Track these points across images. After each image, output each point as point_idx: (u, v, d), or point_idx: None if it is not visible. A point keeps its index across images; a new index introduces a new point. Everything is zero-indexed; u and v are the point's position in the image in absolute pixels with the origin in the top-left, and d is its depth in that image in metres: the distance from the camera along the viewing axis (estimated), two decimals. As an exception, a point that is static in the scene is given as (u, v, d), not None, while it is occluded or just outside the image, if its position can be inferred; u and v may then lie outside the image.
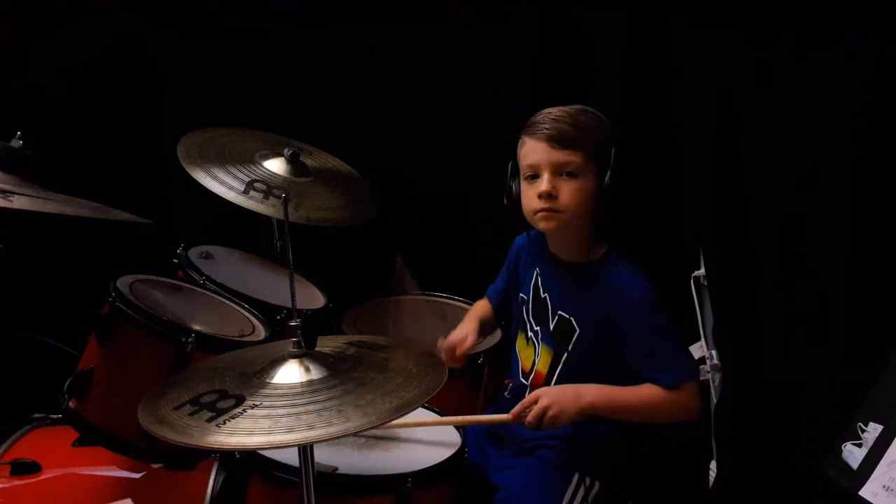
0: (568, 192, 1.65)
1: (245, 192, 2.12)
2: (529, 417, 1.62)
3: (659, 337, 1.65)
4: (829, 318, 2.05)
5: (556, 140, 1.65)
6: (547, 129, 1.66)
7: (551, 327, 1.76)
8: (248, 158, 2.25)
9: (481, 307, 1.98)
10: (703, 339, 1.79)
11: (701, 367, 1.72)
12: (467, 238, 2.49)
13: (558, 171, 1.66)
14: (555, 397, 1.62)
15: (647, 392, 1.64)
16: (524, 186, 1.71)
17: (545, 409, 1.61)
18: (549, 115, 1.68)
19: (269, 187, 2.16)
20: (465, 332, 1.83)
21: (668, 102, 2.23)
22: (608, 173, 1.65)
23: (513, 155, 1.77)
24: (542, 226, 1.70)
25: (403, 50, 2.51)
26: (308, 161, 2.34)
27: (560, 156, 1.65)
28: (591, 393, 1.64)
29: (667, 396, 1.63)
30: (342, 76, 2.58)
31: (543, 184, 1.65)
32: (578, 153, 1.65)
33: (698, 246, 1.92)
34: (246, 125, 2.42)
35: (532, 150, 1.68)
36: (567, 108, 1.70)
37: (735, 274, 2.13)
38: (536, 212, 1.68)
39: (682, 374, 1.64)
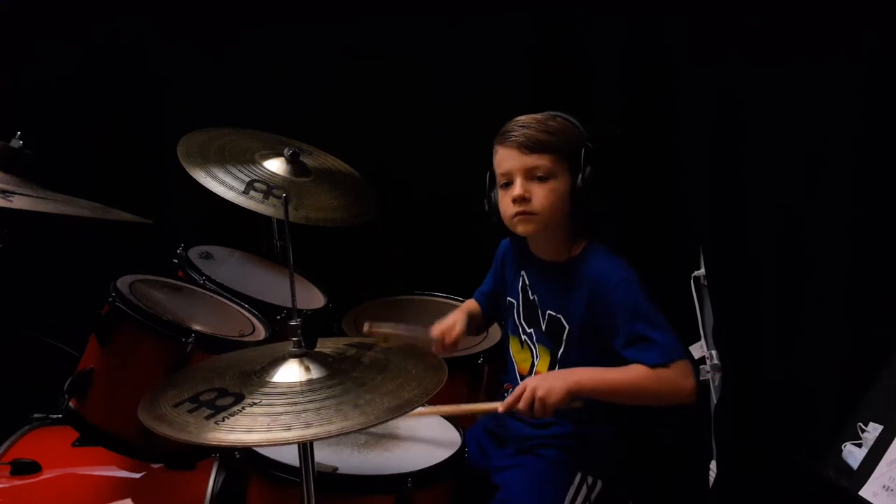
0: (541, 194, 1.68)
1: (245, 192, 2.11)
2: (521, 405, 1.62)
3: (642, 320, 1.64)
4: (828, 318, 2.06)
5: (526, 146, 1.68)
6: (516, 136, 1.70)
7: (543, 328, 1.77)
8: (248, 158, 2.24)
9: (470, 304, 2.00)
10: (703, 339, 1.79)
11: (701, 367, 1.71)
12: (467, 238, 2.49)
13: (530, 175, 1.69)
14: (540, 379, 1.64)
15: (635, 371, 1.62)
16: (500, 194, 1.75)
17: (533, 392, 1.61)
18: (518, 122, 1.72)
19: (269, 187, 2.16)
20: (452, 321, 1.87)
21: (669, 103, 2.23)
22: (580, 173, 1.68)
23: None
24: (520, 229, 1.72)
25: (404, 50, 2.51)
26: (308, 161, 2.34)
27: (530, 160, 1.68)
28: (577, 372, 1.65)
29: (655, 375, 1.61)
30: (342, 76, 2.58)
31: (516, 188, 1.69)
32: (548, 156, 1.68)
33: (698, 246, 1.92)
34: (246, 125, 2.42)
35: (504, 158, 1.71)
36: (535, 115, 1.73)
37: (735, 274, 2.13)
38: (513, 216, 1.71)
39: (670, 353, 1.62)
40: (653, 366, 1.62)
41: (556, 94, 2.31)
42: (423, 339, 1.80)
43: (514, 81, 2.40)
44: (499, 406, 1.66)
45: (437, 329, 1.85)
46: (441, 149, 2.51)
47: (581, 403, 1.65)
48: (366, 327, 1.91)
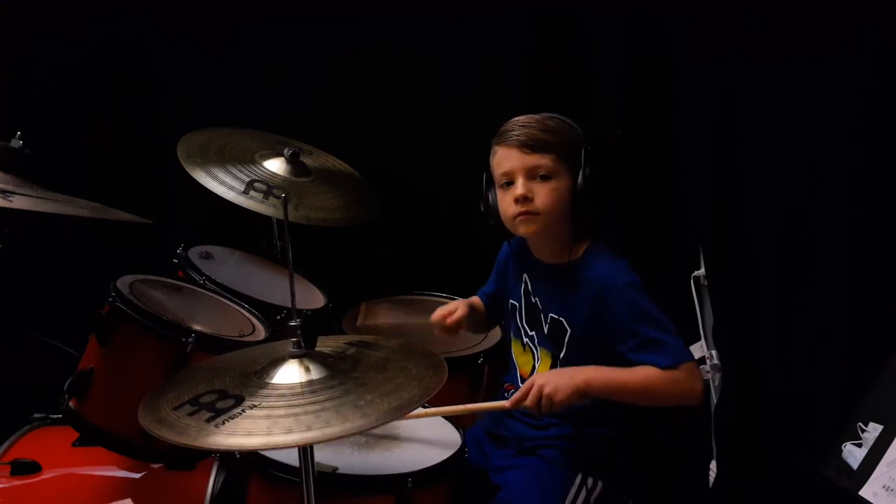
0: (543, 193, 1.68)
1: (245, 192, 2.12)
2: (528, 401, 1.63)
3: (649, 324, 1.64)
4: (829, 318, 2.06)
5: (527, 145, 1.68)
6: (516, 135, 1.69)
7: (545, 331, 1.77)
8: (248, 158, 2.25)
9: (474, 299, 2.00)
10: (703, 339, 1.80)
11: (701, 367, 1.72)
12: (467, 238, 2.49)
13: (532, 174, 1.68)
14: (548, 376, 1.64)
15: (645, 372, 1.63)
16: (500, 194, 1.74)
17: (541, 388, 1.62)
18: (517, 122, 1.72)
19: (269, 187, 2.16)
20: (454, 305, 1.89)
21: (669, 104, 2.23)
22: (580, 173, 1.67)
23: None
24: (522, 230, 1.72)
25: (404, 50, 2.51)
26: (308, 161, 2.34)
27: (532, 159, 1.68)
28: (586, 371, 1.65)
29: (665, 376, 1.62)
30: (342, 76, 2.58)
31: (518, 188, 1.68)
32: (549, 156, 1.68)
33: (698, 246, 1.93)
34: (246, 125, 2.42)
35: (504, 158, 1.71)
36: (533, 115, 1.73)
37: (735, 274, 2.13)
38: (515, 217, 1.70)
39: (679, 356, 1.63)
40: (663, 367, 1.62)
41: (556, 94, 2.31)
42: (422, 323, 1.81)
43: (514, 81, 2.40)
44: (506, 403, 1.67)
45: (438, 313, 1.87)
46: (441, 149, 2.51)
47: (588, 401, 1.65)
48: (360, 320, 1.91)
